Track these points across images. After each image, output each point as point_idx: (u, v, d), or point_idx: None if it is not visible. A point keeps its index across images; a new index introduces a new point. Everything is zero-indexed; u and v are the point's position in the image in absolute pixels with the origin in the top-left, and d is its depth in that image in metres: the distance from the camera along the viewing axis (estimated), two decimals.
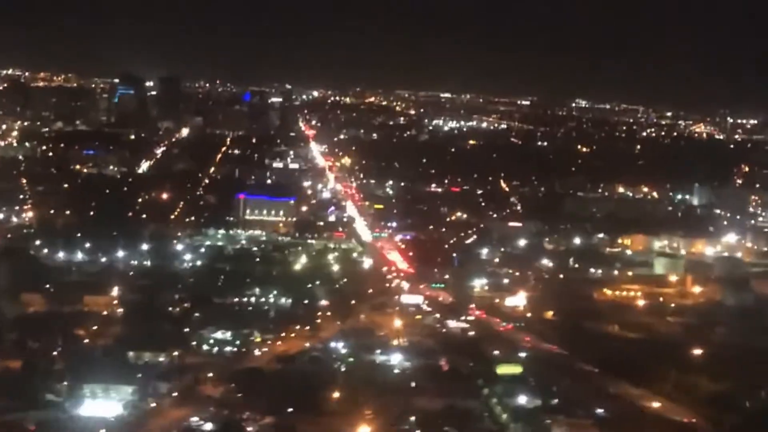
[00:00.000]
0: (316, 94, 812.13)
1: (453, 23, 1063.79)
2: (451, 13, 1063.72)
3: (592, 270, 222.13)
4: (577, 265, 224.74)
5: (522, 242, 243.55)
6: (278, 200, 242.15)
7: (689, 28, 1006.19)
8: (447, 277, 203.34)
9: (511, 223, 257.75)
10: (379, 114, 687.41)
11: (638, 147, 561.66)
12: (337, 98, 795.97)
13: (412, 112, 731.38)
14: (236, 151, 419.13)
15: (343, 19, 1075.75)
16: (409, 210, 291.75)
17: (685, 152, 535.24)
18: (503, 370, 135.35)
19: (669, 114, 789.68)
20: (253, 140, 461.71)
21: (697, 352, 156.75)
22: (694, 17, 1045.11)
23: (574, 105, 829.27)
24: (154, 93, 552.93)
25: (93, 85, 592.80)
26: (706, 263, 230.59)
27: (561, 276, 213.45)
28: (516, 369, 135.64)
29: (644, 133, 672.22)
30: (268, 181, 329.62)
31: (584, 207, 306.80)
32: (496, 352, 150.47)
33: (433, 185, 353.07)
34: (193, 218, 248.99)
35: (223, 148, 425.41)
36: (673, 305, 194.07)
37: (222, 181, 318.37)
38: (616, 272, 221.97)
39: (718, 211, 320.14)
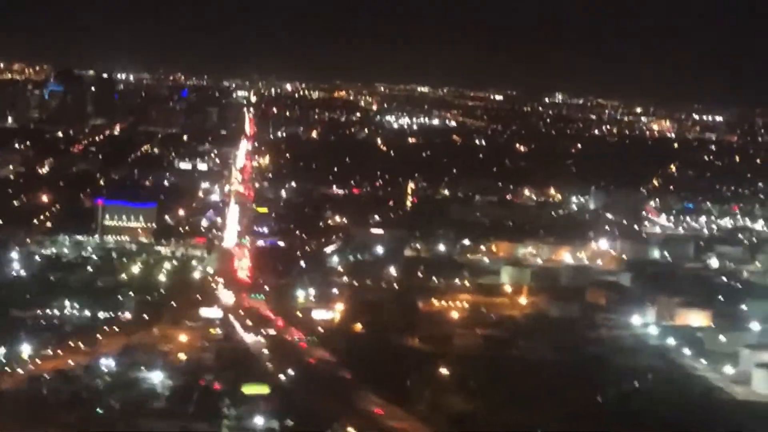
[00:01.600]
0: (289, 87, 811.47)
1: (440, 16, 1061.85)
2: (440, 6, 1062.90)
3: (436, 279, 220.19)
4: (421, 275, 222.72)
5: (380, 250, 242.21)
6: (138, 206, 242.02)
7: (678, 23, 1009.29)
8: (277, 286, 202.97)
9: (374, 230, 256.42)
10: (336, 109, 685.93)
11: (579, 146, 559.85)
12: (306, 92, 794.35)
13: (375, 107, 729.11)
14: (155, 150, 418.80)
15: (327, 8, 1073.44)
16: (292, 214, 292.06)
17: (623, 151, 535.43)
18: (249, 390, 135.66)
19: (639, 110, 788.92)
20: (184, 138, 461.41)
21: (477, 366, 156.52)
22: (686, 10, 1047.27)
23: (548, 100, 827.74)
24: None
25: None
26: (553, 273, 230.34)
27: (396, 286, 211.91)
28: (263, 389, 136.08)
29: (596, 131, 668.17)
30: (166, 183, 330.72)
31: (470, 212, 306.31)
32: (271, 368, 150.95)
33: (337, 187, 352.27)
34: (53, 223, 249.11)
35: (144, 147, 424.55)
36: (493, 316, 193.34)
37: (113, 184, 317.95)
38: (459, 281, 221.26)
39: (609, 216, 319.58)
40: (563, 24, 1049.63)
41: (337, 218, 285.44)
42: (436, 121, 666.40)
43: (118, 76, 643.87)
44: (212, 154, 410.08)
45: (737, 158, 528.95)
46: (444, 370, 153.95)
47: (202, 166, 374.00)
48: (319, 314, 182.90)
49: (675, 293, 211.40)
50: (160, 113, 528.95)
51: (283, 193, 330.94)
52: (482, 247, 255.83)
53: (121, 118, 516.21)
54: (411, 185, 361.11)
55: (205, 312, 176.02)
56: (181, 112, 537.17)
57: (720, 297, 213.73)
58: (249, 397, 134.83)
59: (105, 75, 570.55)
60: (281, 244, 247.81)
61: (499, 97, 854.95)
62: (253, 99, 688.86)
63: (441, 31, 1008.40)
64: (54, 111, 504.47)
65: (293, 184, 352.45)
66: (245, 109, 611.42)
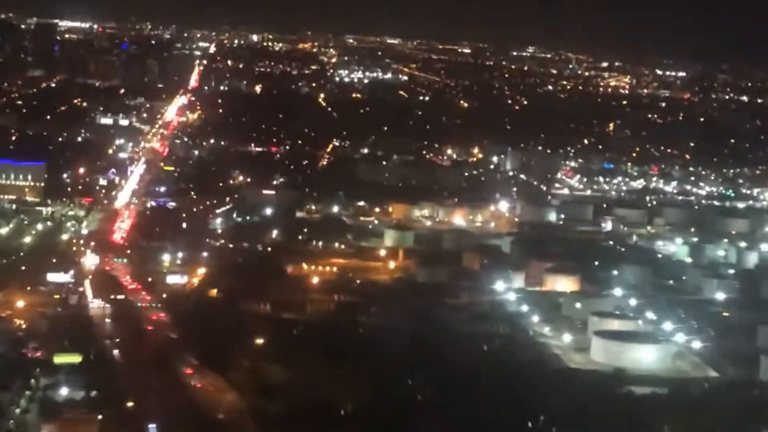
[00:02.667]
0: (255, 38, 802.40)
1: None
2: None
3: (317, 242, 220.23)
4: (302, 237, 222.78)
5: (268, 212, 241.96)
6: (25, 164, 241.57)
7: None
8: (146, 249, 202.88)
9: (266, 191, 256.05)
10: (292, 62, 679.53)
11: (525, 102, 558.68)
12: (269, 44, 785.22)
13: (334, 60, 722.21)
14: (84, 104, 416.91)
15: None
16: (198, 173, 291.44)
17: (569, 109, 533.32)
18: (61, 359, 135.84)
19: (604, 65, 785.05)
20: (120, 92, 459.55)
21: (312, 334, 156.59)
22: None
23: (515, 54, 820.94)
24: None
25: None
26: (436, 236, 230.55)
27: (269, 249, 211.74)
28: (75, 358, 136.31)
29: (550, 87, 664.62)
30: (79, 139, 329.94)
31: (380, 173, 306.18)
32: (100, 335, 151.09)
33: (255, 145, 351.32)
34: None
35: (74, 102, 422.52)
36: (359, 281, 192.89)
37: (25, 140, 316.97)
38: (340, 245, 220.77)
39: (522, 177, 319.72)
40: None
41: (241, 178, 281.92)
42: (389, 76, 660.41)
43: (78, 25, 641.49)
44: (141, 109, 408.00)
45: (680, 116, 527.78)
46: (275, 336, 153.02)
47: (124, 122, 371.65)
48: (174, 279, 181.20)
49: (551, 257, 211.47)
50: (99, 65, 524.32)
51: (197, 151, 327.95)
52: (377, 209, 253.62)
53: (61, 71, 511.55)
54: (334, 143, 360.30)
55: (54, 277, 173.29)
56: (122, 64, 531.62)
57: (597, 261, 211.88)
58: (59, 366, 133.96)
59: (47, 24, 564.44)
60: (171, 205, 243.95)
61: (467, 51, 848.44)
62: (212, 50, 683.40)
63: None
64: None
65: (211, 141, 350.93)
66: (195, 62, 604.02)
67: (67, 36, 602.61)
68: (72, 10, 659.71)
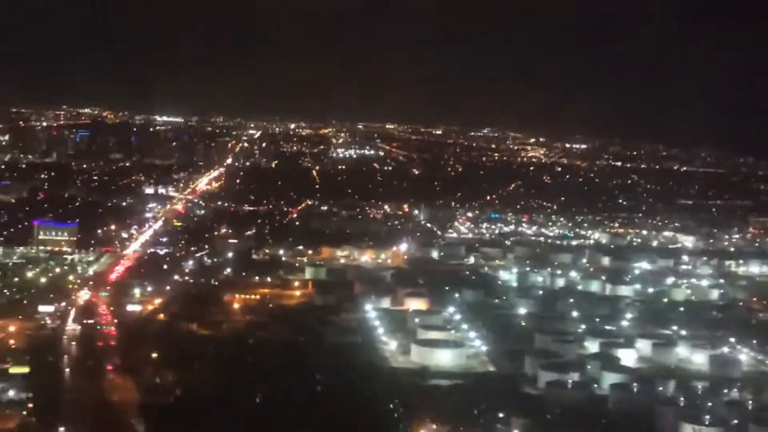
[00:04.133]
0: (292, 126, 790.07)
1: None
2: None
3: (257, 277, 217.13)
4: (245, 273, 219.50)
5: (229, 255, 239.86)
6: (62, 225, 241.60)
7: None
8: (126, 284, 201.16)
9: (230, 240, 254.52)
10: (307, 144, 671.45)
11: (459, 169, 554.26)
12: (298, 130, 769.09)
13: (340, 141, 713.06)
14: (141, 178, 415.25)
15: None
16: (197, 228, 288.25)
17: (487, 174, 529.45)
18: (14, 369, 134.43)
19: (532, 141, 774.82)
20: (172, 168, 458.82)
21: (217, 345, 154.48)
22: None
23: (472, 134, 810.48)
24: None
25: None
26: (342, 270, 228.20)
27: (216, 282, 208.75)
28: (25, 369, 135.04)
29: (483, 158, 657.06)
30: (124, 204, 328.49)
31: (326, 224, 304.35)
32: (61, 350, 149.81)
33: (249, 205, 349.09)
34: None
35: (135, 176, 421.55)
36: (271, 305, 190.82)
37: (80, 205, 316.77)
38: (272, 278, 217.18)
39: (428, 225, 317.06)
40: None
41: (224, 230, 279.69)
42: (373, 152, 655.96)
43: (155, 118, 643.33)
44: (181, 182, 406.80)
45: (566, 178, 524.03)
46: (188, 347, 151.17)
47: (161, 190, 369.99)
48: (133, 307, 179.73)
49: (413, 284, 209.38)
50: (161, 150, 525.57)
51: (203, 211, 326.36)
52: (310, 251, 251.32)
53: (135, 154, 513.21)
54: (306, 203, 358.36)
55: (43, 308, 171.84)
56: (176, 148, 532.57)
57: (447, 287, 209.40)
58: (12, 375, 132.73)
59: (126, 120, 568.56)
60: (163, 251, 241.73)
61: (438, 132, 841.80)
62: (256, 136, 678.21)
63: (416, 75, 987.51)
64: (83, 150, 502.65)
65: (218, 203, 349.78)
66: (232, 145, 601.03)
67: (142, 128, 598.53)
68: (161, 107, 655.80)
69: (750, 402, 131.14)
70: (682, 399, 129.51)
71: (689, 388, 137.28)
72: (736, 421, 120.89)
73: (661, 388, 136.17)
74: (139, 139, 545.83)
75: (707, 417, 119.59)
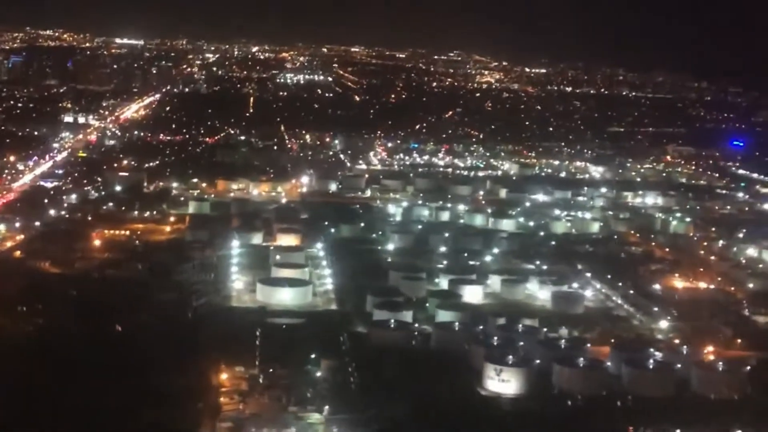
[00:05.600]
0: (254, 49, 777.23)
1: None
2: None
3: (137, 211, 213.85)
4: (125, 208, 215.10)
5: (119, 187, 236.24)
6: None
7: None
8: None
9: (121, 173, 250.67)
10: (256, 69, 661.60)
11: (403, 96, 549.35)
12: (256, 54, 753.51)
13: (296, 65, 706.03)
14: (68, 105, 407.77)
15: None
16: (100, 160, 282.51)
17: (430, 101, 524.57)
18: None
19: (494, 65, 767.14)
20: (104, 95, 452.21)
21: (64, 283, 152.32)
22: None
23: (435, 57, 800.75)
24: None
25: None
26: (226, 204, 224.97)
27: (89, 217, 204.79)
28: None
29: (434, 84, 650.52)
30: (36, 134, 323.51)
31: (233, 155, 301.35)
32: None
33: (165, 135, 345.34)
34: None
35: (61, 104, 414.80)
36: (136, 242, 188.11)
37: None
38: (152, 213, 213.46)
39: (341, 157, 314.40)
40: None
41: (125, 162, 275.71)
42: (322, 78, 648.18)
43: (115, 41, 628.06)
44: (107, 109, 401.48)
45: (506, 106, 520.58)
46: (32, 285, 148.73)
47: (81, 119, 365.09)
48: None
49: (295, 219, 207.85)
50: (98, 76, 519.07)
51: (114, 141, 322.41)
52: (204, 184, 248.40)
53: (70, 80, 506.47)
54: (227, 132, 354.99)
55: None
56: (115, 74, 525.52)
57: (328, 221, 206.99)
58: None
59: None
60: (51, 185, 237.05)
61: (402, 56, 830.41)
62: (211, 60, 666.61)
63: None
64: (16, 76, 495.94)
65: (135, 133, 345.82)
66: (178, 70, 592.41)
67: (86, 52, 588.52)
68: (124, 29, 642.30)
69: (564, 341, 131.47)
70: (496, 338, 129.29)
71: (515, 326, 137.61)
72: (538, 361, 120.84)
73: (482, 327, 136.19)
74: (77, 65, 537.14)
75: (510, 357, 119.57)
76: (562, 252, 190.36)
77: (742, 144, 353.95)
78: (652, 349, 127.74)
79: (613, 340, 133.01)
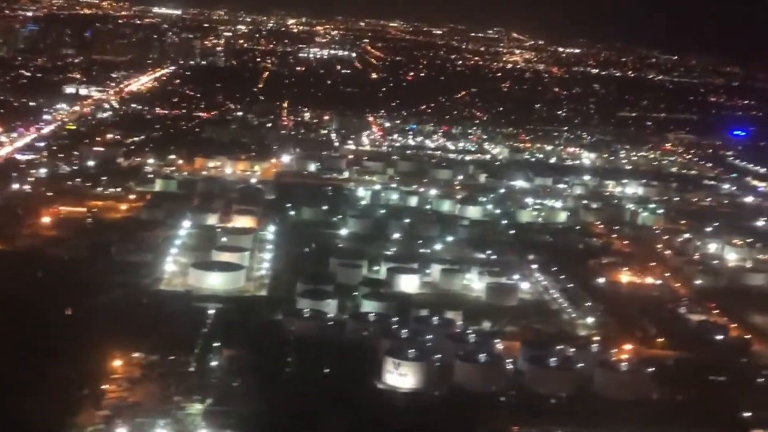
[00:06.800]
0: (291, 22, 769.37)
1: None
2: None
3: (103, 188, 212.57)
4: (90, 183, 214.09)
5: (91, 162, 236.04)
6: None
7: None
8: None
9: (96, 148, 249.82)
10: (284, 43, 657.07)
11: (422, 75, 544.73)
12: (291, 28, 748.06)
13: (325, 40, 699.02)
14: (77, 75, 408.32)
15: None
16: (86, 133, 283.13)
17: (448, 80, 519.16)
18: None
19: (528, 44, 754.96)
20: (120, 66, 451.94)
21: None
22: None
23: (473, 35, 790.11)
24: None
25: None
26: (193, 182, 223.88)
27: (50, 193, 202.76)
28: None
29: (460, 62, 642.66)
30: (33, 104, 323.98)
31: (222, 132, 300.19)
32: None
33: (164, 109, 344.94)
34: None
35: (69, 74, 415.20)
36: (88, 220, 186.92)
37: None
38: (120, 189, 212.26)
39: (332, 136, 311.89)
40: None
41: (110, 136, 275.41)
42: (346, 53, 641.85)
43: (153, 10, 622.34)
44: (114, 81, 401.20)
45: (523, 87, 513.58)
46: None
47: (83, 90, 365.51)
48: None
49: (257, 200, 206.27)
50: (115, 46, 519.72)
51: (109, 113, 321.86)
52: (181, 161, 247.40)
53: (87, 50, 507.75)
54: (226, 107, 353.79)
55: None
56: (133, 45, 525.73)
57: (291, 203, 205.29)
58: None
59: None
60: (25, 157, 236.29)
61: (438, 32, 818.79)
62: (228, 33, 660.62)
63: None
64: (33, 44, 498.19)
65: (133, 105, 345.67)
66: (200, 41, 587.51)
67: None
68: None
69: (473, 336, 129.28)
70: (405, 331, 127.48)
71: (433, 319, 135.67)
72: (439, 356, 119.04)
73: (396, 319, 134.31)
74: (96, 34, 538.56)
75: (411, 351, 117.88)
76: (520, 242, 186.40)
77: (744, 133, 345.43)
78: (561, 347, 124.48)
79: (523, 337, 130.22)
